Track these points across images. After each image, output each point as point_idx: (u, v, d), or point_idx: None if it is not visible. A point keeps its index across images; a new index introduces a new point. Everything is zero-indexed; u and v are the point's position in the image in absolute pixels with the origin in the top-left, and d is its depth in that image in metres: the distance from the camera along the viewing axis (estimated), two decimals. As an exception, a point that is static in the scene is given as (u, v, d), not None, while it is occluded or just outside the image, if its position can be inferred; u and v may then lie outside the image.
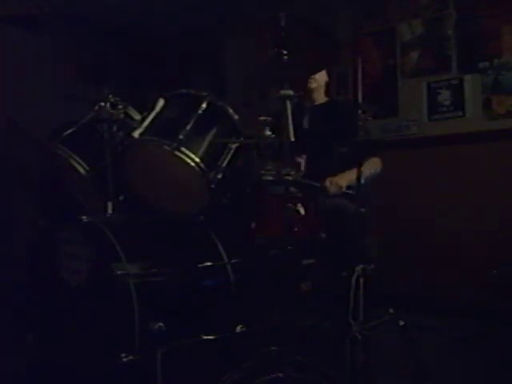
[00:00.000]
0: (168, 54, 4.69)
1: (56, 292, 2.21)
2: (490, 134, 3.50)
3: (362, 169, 2.38)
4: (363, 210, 2.31)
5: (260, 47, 2.04)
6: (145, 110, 2.21)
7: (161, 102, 2.17)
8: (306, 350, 2.04)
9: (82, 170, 2.34)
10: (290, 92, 1.96)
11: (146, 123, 2.13)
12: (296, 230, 1.98)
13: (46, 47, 3.75)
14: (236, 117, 2.19)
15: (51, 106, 2.60)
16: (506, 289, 3.22)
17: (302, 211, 2.07)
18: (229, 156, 2.14)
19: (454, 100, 3.68)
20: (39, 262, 2.33)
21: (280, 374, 1.87)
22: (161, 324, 1.90)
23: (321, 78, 2.85)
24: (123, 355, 1.87)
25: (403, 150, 3.86)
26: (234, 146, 2.16)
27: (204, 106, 2.11)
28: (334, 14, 4.05)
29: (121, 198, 2.35)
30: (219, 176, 2.09)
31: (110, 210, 2.26)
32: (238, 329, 2.14)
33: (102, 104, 2.28)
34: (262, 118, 2.03)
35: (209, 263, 2.18)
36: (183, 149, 2.02)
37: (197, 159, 2.03)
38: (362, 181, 2.31)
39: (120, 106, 2.32)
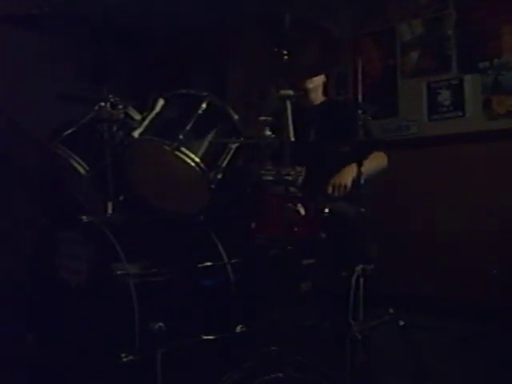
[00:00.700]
0: (168, 54, 4.68)
1: (56, 292, 2.21)
2: (490, 134, 3.50)
3: (366, 163, 2.38)
4: (363, 210, 2.31)
5: (260, 47, 2.04)
6: (145, 110, 2.21)
7: (161, 102, 2.17)
8: (306, 350, 2.04)
9: (82, 170, 2.34)
10: (290, 92, 1.96)
11: (145, 123, 2.13)
12: (296, 229, 1.98)
13: (45, 47, 3.75)
14: (236, 117, 2.19)
15: (51, 105, 2.60)
16: (506, 289, 3.22)
17: (302, 211, 2.07)
18: (229, 156, 2.14)
19: (454, 100, 3.67)
20: (39, 261, 2.33)
21: (280, 374, 1.87)
22: (161, 324, 1.90)
23: (318, 78, 2.84)
24: (123, 355, 1.87)
25: (403, 150, 3.85)
26: (233, 146, 2.16)
27: (204, 106, 2.11)
28: (334, 14, 4.05)
29: (121, 198, 2.35)
30: (219, 176, 2.09)
31: (110, 210, 2.26)
32: (238, 329, 2.14)
33: (102, 104, 2.28)
34: (262, 117, 2.03)
35: (209, 263, 2.18)
36: (183, 149, 2.02)
37: (197, 159, 2.03)
38: (362, 181, 2.31)
39: (120, 106, 2.32)
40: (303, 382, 1.92)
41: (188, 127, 2.05)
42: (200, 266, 2.17)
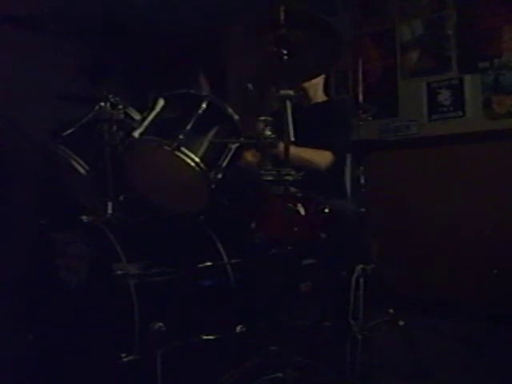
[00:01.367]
0: (168, 54, 4.68)
1: (56, 292, 2.21)
2: (490, 134, 3.50)
3: (300, 150, 2.35)
4: (363, 209, 2.32)
5: (260, 47, 2.03)
6: (145, 109, 2.20)
7: (161, 102, 2.17)
8: (306, 350, 2.04)
9: (82, 170, 2.34)
10: (290, 92, 1.95)
11: (146, 123, 2.13)
12: (296, 229, 1.98)
13: (45, 47, 3.75)
14: (236, 117, 2.19)
15: (51, 105, 2.60)
16: (507, 289, 3.22)
17: (302, 211, 2.07)
18: (229, 156, 2.14)
19: (454, 100, 3.67)
20: (39, 261, 2.33)
21: (280, 374, 1.87)
22: (161, 324, 1.90)
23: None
24: (123, 355, 1.87)
25: (403, 150, 3.86)
26: (233, 146, 2.16)
27: (204, 106, 2.11)
28: (334, 14, 4.05)
29: (121, 198, 2.35)
30: (219, 176, 2.09)
31: (109, 210, 2.26)
32: (238, 329, 2.14)
33: (102, 104, 2.28)
34: (262, 117, 2.03)
35: (209, 263, 2.18)
36: (183, 149, 2.02)
37: (197, 159, 2.03)
38: (362, 180, 2.31)
39: (120, 106, 2.32)
40: (303, 382, 1.92)
41: (188, 127, 2.05)
42: (200, 266, 2.17)
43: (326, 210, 2.17)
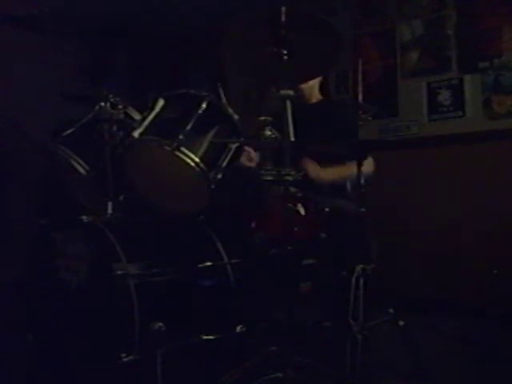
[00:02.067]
0: (168, 54, 4.69)
1: (56, 292, 2.21)
2: (490, 133, 3.50)
3: (354, 169, 2.39)
4: (363, 209, 2.31)
5: (260, 47, 2.03)
6: (145, 109, 2.21)
7: (161, 102, 2.17)
8: (306, 350, 2.04)
9: (82, 170, 2.34)
10: (290, 92, 1.95)
11: (146, 123, 2.13)
12: (296, 229, 1.98)
13: (45, 47, 3.75)
14: (236, 117, 2.19)
15: (51, 105, 2.60)
16: (507, 289, 3.22)
17: (302, 211, 2.07)
18: (229, 156, 2.14)
19: (454, 100, 3.67)
20: (39, 261, 2.33)
21: (280, 374, 1.87)
22: (161, 324, 1.90)
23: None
24: (123, 355, 1.87)
25: (403, 150, 3.86)
26: (233, 146, 2.16)
27: (204, 106, 2.11)
28: (334, 14, 4.05)
29: (121, 198, 2.35)
30: (219, 176, 2.09)
31: (110, 210, 2.26)
32: (238, 329, 2.14)
33: (102, 104, 2.29)
34: (262, 117, 2.03)
35: (209, 263, 2.18)
36: (183, 149, 2.02)
37: (197, 159, 2.03)
38: (362, 181, 2.31)
39: (120, 106, 2.32)
40: (303, 382, 1.92)
41: (188, 127, 2.05)
42: (200, 266, 2.17)
43: (326, 210, 2.18)
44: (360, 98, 2.46)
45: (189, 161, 2.02)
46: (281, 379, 1.86)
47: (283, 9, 1.92)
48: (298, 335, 2.06)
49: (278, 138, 2.02)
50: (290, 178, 1.94)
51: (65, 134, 2.36)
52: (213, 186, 2.08)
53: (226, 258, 2.23)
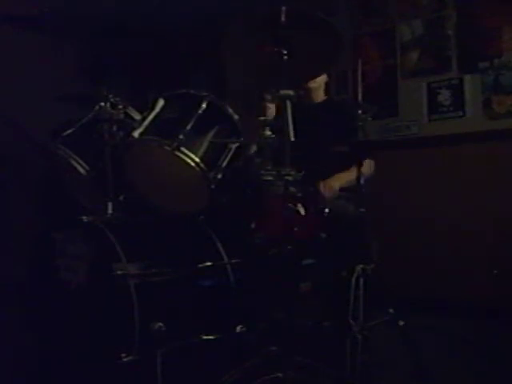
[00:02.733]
0: (168, 54, 4.68)
1: (56, 292, 2.21)
2: (490, 134, 3.50)
3: (345, 175, 2.41)
4: (363, 210, 2.31)
5: (261, 47, 2.03)
6: (145, 109, 2.20)
7: (161, 102, 2.17)
8: (306, 350, 2.04)
9: (82, 170, 2.34)
10: (290, 92, 1.95)
11: (146, 123, 2.13)
12: (296, 229, 1.98)
13: (45, 47, 3.75)
14: (236, 117, 2.19)
15: (51, 106, 2.60)
16: (506, 289, 3.22)
17: (302, 211, 2.07)
18: (229, 156, 2.14)
19: (454, 100, 3.67)
20: (39, 261, 2.33)
21: (280, 374, 1.87)
22: (161, 324, 1.90)
23: (321, 77, 2.84)
24: (123, 355, 1.87)
25: (403, 150, 3.86)
26: (233, 146, 2.16)
27: (204, 106, 2.11)
28: (334, 14, 4.05)
29: (121, 198, 2.35)
30: (219, 176, 2.09)
31: (110, 210, 2.26)
32: (238, 329, 2.14)
33: (102, 104, 2.28)
34: (262, 118, 2.03)
35: (209, 263, 2.18)
36: (183, 149, 2.02)
37: (197, 159, 2.03)
38: (362, 181, 2.31)
39: (120, 106, 2.32)
40: (303, 382, 1.92)
41: (188, 127, 2.06)
42: (200, 266, 2.17)
43: (326, 210, 2.18)
44: (360, 97, 2.46)
45: (189, 161, 2.02)
46: (281, 379, 1.86)
47: (283, 9, 1.92)
48: (298, 335, 2.06)
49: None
50: (289, 178, 1.94)
51: (65, 134, 2.36)
52: (213, 186, 2.08)
53: (225, 258, 2.23)
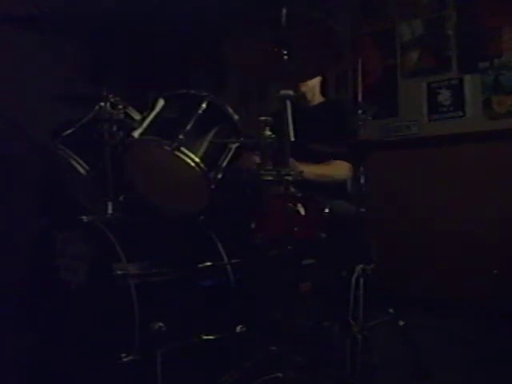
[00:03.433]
0: (168, 54, 4.69)
1: (56, 292, 2.21)
2: (490, 134, 3.50)
3: (329, 169, 2.42)
4: (363, 210, 2.32)
5: (260, 47, 2.03)
6: (145, 109, 2.20)
7: (161, 102, 2.17)
8: (306, 350, 2.04)
9: (82, 170, 2.34)
10: (290, 92, 1.95)
11: (145, 123, 2.13)
12: (296, 229, 1.98)
13: (45, 47, 3.75)
14: (236, 117, 2.19)
15: (51, 106, 2.60)
16: (506, 289, 3.22)
17: (302, 211, 2.07)
18: (229, 156, 2.14)
19: (454, 100, 3.67)
20: (39, 261, 2.33)
21: (280, 374, 1.87)
22: (161, 324, 1.90)
23: (313, 80, 2.81)
24: (123, 355, 1.87)
25: (403, 150, 3.86)
26: (233, 146, 2.16)
27: (204, 106, 2.11)
28: (334, 14, 4.05)
29: (121, 198, 2.35)
30: (219, 176, 2.09)
31: (110, 210, 2.26)
32: (238, 329, 2.14)
33: (102, 104, 2.28)
34: (262, 117, 2.03)
35: (209, 263, 2.18)
36: (183, 149, 2.02)
37: (197, 159, 2.03)
38: (362, 180, 2.31)
39: (120, 106, 2.32)
40: (303, 382, 1.92)
41: (188, 127, 2.05)
42: (200, 266, 2.17)
43: (326, 210, 2.17)
44: (360, 97, 2.46)
45: (189, 161, 2.02)
46: (281, 379, 1.86)
47: (283, 10, 1.91)
48: (298, 335, 2.06)
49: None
50: (289, 178, 1.94)
51: (65, 134, 2.36)
52: (213, 186, 2.08)
53: (225, 258, 2.23)
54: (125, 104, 2.35)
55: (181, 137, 2.01)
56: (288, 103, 1.96)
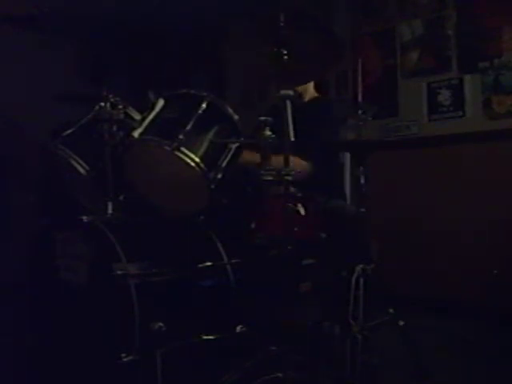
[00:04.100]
0: (168, 54, 4.69)
1: (56, 292, 2.21)
2: (490, 134, 3.50)
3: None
4: (363, 209, 2.32)
5: (260, 47, 2.03)
6: (145, 110, 2.20)
7: (161, 102, 2.17)
8: (306, 350, 2.04)
9: (82, 170, 2.34)
10: (290, 92, 1.95)
11: (145, 123, 2.13)
12: (296, 229, 1.98)
13: (45, 47, 3.75)
14: (236, 117, 2.19)
15: (51, 106, 2.60)
16: (507, 289, 3.22)
17: (302, 211, 2.07)
18: (229, 156, 2.14)
19: (454, 100, 3.68)
20: (39, 261, 2.33)
21: (280, 374, 1.87)
22: (161, 324, 1.90)
23: None
24: (123, 355, 1.87)
25: (403, 150, 3.86)
26: (233, 146, 2.16)
27: (204, 106, 2.11)
28: (334, 14, 4.06)
29: (121, 198, 2.35)
30: (219, 176, 2.09)
31: (110, 210, 2.26)
32: (238, 329, 2.14)
33: (102, 104, 2.28)
34: (262, 117, 2.03)
35: (209, 263, 2.18)
36: (183, 149, 2.02)
37: (197, 159, 2.03)
38: (362, 180, 2.31)
39: (120, 106, 2.32)
40: (303, 382, 1.92)
41: (188, 127, 2.05)
42: (200, 266, 2.17)
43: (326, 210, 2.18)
44: (360, 97, 2.47)
45: (189, 161, 2.02)
46: (281, 379, 1.86)
47: (283, 10, 1.92)
48: (298, 335, 2.06)
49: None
50: (289, 178, 1.94)
51: (65, 134, 2.36)
52: (213, 186, 2.08)
53: (225, 258, 2.23)
54: (125, 104, 2.35)
55: (181, 137, 2.01)
56: (288, 103, 1.96)
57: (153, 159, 2.15)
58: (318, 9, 3.83)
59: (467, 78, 3.62)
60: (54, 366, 2.17)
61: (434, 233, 3.64)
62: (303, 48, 2.00)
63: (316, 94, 2.89)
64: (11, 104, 3.40)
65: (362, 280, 2.23)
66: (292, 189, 2.01)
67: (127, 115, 2.36)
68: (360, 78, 2.56)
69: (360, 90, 2.48)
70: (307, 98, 2.85)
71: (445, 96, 3.71)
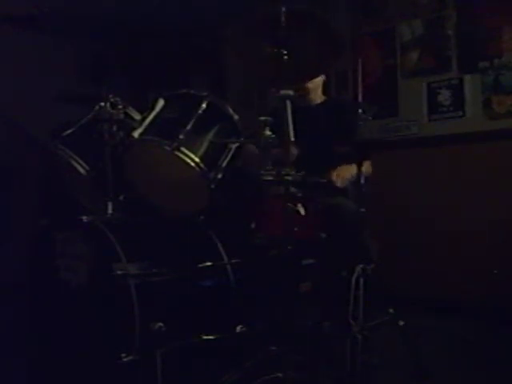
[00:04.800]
0: (168, 54, 4.69)
1: (56, 292, 2.21)
2: (490, 134, 3.50)
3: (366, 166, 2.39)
4: (363, 209, 2.32)
5: (260, 47, 2.03)
6: (145, 110, 2.20)
7: (161, 102, 2.17)
8: (306, 350, 2.04)
9: (82, 170, 2.34)
10: (290, 92, 1.96)
11: (146, 123, 2.13)
12: (296, 229, 1.98)
13: (45, 47, 3.75)
14: (236, 117, 2.19)
15: (51, 106, 2.60)
16: (507, 289, 3.22)
17: (302, 211, 2.07)
18: (229, 156, 2.14)
19: (454, 100, 3.67)
20: (39, 261, 2.33)
21: (280, 374, 1.87)
22: (161, 324, 1.90)
23: (318, 78, 2.83)
24: (123, 355, 1.87)
25: (403, 150, 3.86)
26: (233, 146, 2.16)
27: (204, 106, 2.11)
28: (334, 14, 4.05)
29: (121, 197, 2.35)
30: (219, 176, 2.09)
31: (110, 210, 2.26)
32: (238, 329, 2.14)
33: (102, 104, 2.28)
34: (262, 117, 2.03)
35: (209, 263, 2.18)
36: (183, 149, 2.02)
37: (197, 159, 2.03)
38: (362, 180, 2.31)
39: (120, 106, 2.32)
40: (303, 382, 1.92)
41: (188, 127, 2.05)
42: (200, 266, 2.17)
43: (326, 210, 2.18)
44: (360, 98, 2.46)
45: (189, 161, 2.02)
46: (281, 379, 1.86)
47: (283, 9, 1.92)
48: (298, 335, 2.06)
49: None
50: (289, 178, 1.94)
51: (65, 134, 2.36)
52: (213, 186, 2.08)
53: (225, 258, 2.23)
54: (125, 104, 2.35)
55: (181, 137, 2.01)
56: (288, 103, 1.96)
57: (153, 159, 2.15)
58: (318, 9, 3.83)
59: (467, 78, 3.62)
60: (54, 365, 2.17)
61: (434, 233, 3.64)
62: (302, 45, 2.00)
63: (323, 96, 2.92)
64: (11, 104, 3.40)
65: (361, 280, 2.23)
66: (292, 189, 2.01)
67: (127, 115, 2.36)
68: (360, 78, 2.56)
69: (360, 90, 2.48)
70: (318, 99, 2.88)
71: (445, 96, 3.71)
